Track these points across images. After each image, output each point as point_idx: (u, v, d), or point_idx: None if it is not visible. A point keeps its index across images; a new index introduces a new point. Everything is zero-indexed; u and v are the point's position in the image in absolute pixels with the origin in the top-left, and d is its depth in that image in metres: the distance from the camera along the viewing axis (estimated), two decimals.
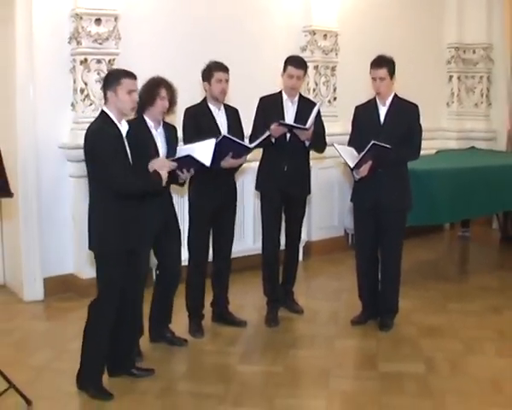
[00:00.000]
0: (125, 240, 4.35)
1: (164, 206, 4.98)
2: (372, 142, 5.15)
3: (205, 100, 5.45)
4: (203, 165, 4.79)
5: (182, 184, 5.11)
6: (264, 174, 5.77)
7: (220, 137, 5.06)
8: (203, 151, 4.80)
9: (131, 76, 4.39)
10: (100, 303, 4.40)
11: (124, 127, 4.35)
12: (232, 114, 5.49)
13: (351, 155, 5.39)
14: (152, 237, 4.95)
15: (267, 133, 5.28)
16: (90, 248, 4.45)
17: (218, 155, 4.95)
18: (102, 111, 4.38)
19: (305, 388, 4.69)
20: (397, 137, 5.34)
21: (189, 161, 4.73)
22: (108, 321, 4.40)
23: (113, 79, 4.35)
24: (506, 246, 8.68)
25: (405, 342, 5.40)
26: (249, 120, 5.67)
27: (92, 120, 4.48)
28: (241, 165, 5.51)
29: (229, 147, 5.15)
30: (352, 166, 5.35)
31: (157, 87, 4.87)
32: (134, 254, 4.45)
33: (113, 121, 4.30)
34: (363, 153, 5.24)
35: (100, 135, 4.24)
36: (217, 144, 4.87)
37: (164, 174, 4.44)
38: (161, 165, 4.54)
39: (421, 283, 6.87)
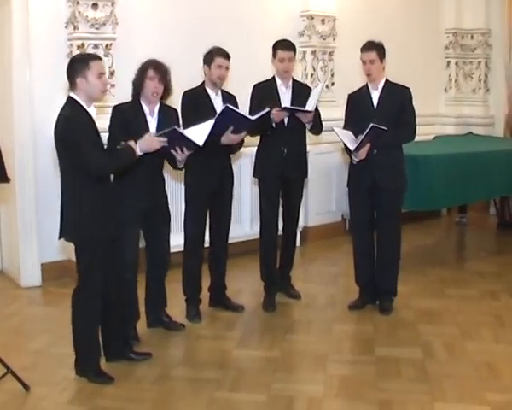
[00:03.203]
0: (103, 229, 4.29)
1: (151, 189, 4.95)
2: (371, 124, 5.20)
3: (203, 84, 5.45)
4: (195, 144, 4.71)
5: (180, 168, 5.09)
6: (263, 160, 5.76)
7: (223, 107, 5.04)
8: (198, 131, 4.74)
9: (98, 58, 4.35)
10: (82, 291, 4.39)
11: (92, 112, 4.29)
12: (229, 100, 5.46)
13: (350, 139, 5.42)
14: (138, 221, 4.94)
15: (267, 109, 5.23)
16: (65, 237, 4.39)
17: (218, 130, 4.92)
18: (70, 97, 4.28)
19: (302, 372, 4.70)
20: (390, 120, 5.39)
21: (178, 137, 4.62)
22: (94, 306, 4.37)
23: (80, 63, 4.24)
24: (503, 231, 8.69)
25: (402, 326, 5.41)
26: (246, 105, 5.65)
27: None
28: (239, 145, 5.49)
29: (231, 119, 5.09)
30: (352, 149, 5.38)
31: (144, 68, 4.86)
32: (116, 239, 4.43)
33: (82, 107, 4.23)
34: (362, 136, 5.27)
35: (72, 121, 4.16)
36: (216, 120, 4.85)
37: (135, 145, 4.37)
38: (150, 142, 4.45)
39: (419, 268, 6.89)
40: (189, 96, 5.36)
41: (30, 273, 6.30)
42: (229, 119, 5.07)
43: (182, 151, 4.75)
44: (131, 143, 4.38)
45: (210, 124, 4.81)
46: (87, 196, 4.23)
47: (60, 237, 4.42)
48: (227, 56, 5.38)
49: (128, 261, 4.82)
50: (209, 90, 5.41)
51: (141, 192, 4.84)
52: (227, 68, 5.39)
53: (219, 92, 5.45)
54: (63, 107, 4.29)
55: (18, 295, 6.17)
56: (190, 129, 4.73)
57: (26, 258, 6.28)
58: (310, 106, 5.48)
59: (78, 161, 4.16)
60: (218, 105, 5.37)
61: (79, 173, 4.20)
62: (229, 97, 5.50)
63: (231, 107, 5.07)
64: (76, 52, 6.11)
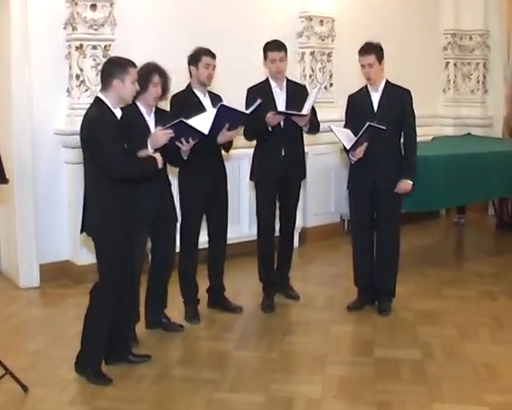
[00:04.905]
0: (124, 226, 4.35)
1: (161, 191, 4.98)
2: (367, 123, 5.19)
3: (189, 86, 5.43)
4: (201, 133, 4.78)
5: (185, 163, 5.07)
6: (261, 163, 5.73)
7: (218, 106, 5.03)
8: (202, 120, 4.81)
9: (135, 65, 4.40)
10: (103, 288, 4.40)
11: (118, 114, 4.34)
12: (216, 101, 5.44)
13: (347, 137, 5.41)
14: (149, 223, 4.95)
15: (259, 101, 5.20)
16: (87, 232, 4.42)
17: (215, 128, 4.94)
18: (97, 98, 4.35)
19: (300, 373, 4.70)
20: (391, 123, 5.36)
21: (183, 128, 4.69)
22: (111, 305, 4.40)
23: (120, 67, 4.30)
24: (502, 232, 8.69)
25: (401, 327, 5.41)
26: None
27: (88, 106, 4.46)
28: (231, 142, 5.47)
29: (226, 117, 5.07)
30: (348, 147, 5.37)
31: (150, 73, 4.86)
32: (131, 239, 4.46)
33: (109, 108, 4.28)
34: (358, 135, 5.27)
35: (98, 122, 4.22)
36: (216, 114, 4.88)
37: (158, 158, 4.43)
38: (158, 137, 4.55)
39: (417, 268, 6.89)
40: (178, 99, 5.32)
41: (28, 274, 6.30)
42: (225, 117, 5.07)
43: (187, 142, 4.83)
44: (156, 155, 4.46)
45: (212, 113, 4.91)
46: (108, 195, 4.29)
47: (81, 232, 4.46)
48: (213, 55, 5.36)
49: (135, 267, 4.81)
50: (197, 92, 5.39)
51: (148, 196, 4.84)
52: (214, 67, 5.39)
53: (207, 93, 5.44)
54: (90, 107, 4.38)
55: (17, 296, 6.16)
56: (194, 119, 4.79)
57: (24, 259, 6.27)
58: (305, 109, 5.45)
59: (101, 160, 4.22)
60: (208, 106, 5.36)
61: (102, 173, 4.25)
62: (215, 98, 5.48)
63: (226, 104, 5.08)
64: (75, 53, 6.14)
